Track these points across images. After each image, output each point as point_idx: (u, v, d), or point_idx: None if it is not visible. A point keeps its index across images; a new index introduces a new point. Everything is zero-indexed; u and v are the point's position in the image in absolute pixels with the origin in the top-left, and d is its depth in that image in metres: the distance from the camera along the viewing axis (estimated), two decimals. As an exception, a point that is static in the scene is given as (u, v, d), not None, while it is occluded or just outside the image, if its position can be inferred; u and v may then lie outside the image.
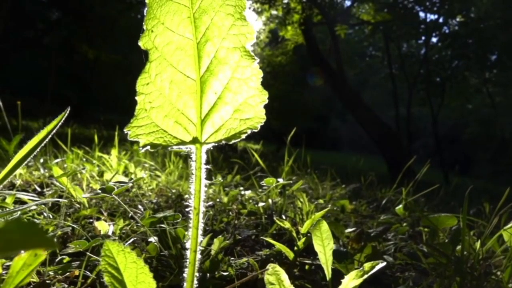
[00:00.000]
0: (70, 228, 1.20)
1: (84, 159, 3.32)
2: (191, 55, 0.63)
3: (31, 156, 0.91)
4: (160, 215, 1.02)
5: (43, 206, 1.70)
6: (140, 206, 1.96)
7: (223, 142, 0.63)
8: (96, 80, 22.13)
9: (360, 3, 14.41)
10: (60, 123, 0.88)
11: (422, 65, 16.85)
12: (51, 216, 1.48)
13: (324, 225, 1.11)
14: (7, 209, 1.43)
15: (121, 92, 22.79)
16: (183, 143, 0.64)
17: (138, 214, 1.60)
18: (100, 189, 0.95)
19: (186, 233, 1.13)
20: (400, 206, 2.38)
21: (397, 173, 3.65)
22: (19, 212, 1.12)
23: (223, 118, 0.64)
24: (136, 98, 0.64)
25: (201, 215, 0.60)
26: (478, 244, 1.62)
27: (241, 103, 0.63)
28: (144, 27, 0.65)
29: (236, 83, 0.63)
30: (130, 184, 1.02)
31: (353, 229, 1.92)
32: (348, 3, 15.30)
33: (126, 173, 3.05)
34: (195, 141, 0.63)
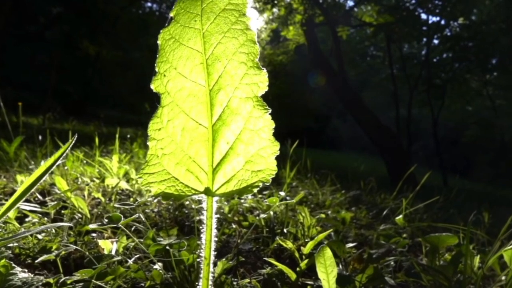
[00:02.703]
0: (74, 247, 1.20)
1: (85, 161, 3.31)
2: (204, 102, 0.63)
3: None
4: (165, 242, 1.02)
5: (45, 219, 1.71)
6: (141, 215, 1.96)
7: (236, 195, 0.63)
8: (97, 76, 22.09)
9: (362, 4, 14.38)
10: (64, 151, 0.88)
11: (423, 67, 16.85)
12: (54, 231, 1.49)
13: (328, 252, 1.11)
14: (10, 224, 1.43)
15: (122, 88, 22.77)
16: (195, 193, 0.63)
17: (141, 227, 1.60)
18: (106, 217, 0.95)
19: (190, 255, 1.13)
20: (400, 216, 2.39)
21: (396, 175, 3.67)
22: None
23: (235, 169, 0.64)
24: (148, 143, 0.64)
25: (211, 265, 0.61)
26: (477, 260, 1.63)
27: (253, 154, 0.63)
28: (156, 70, 0.65)
29: (248, 134, 0.63)
30: (136, 215, 1.03)
31: (354, 244, 1.93)
32: (350, 3, 15.28)
33: (127, 178, 3.05)
34: (207, 192, 0.63)
